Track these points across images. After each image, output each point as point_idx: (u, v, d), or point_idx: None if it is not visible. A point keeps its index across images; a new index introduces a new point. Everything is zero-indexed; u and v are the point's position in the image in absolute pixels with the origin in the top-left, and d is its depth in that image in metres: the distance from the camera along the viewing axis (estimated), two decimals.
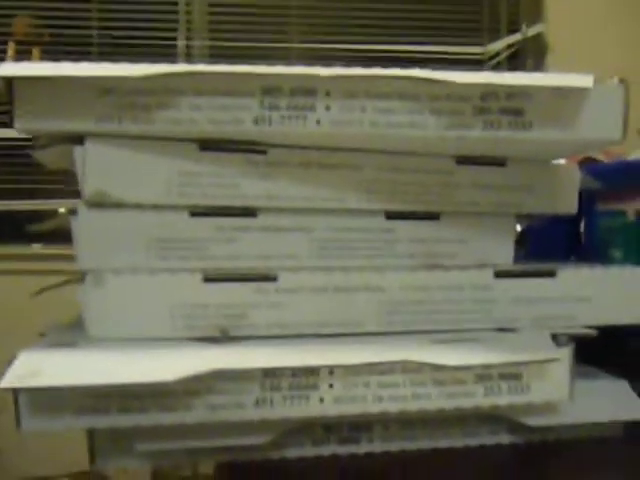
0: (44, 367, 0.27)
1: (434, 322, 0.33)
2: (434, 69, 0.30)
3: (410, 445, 0.33)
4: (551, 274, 0.34)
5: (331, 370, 0.29)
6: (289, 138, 0.31)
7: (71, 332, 0.32)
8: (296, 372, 0.29)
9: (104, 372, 0.27)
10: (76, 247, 0.31)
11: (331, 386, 0.29)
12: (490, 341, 0.32)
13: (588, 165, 0.43)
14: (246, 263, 0.33)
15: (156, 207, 0.31)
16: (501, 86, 0.31)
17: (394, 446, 0.33)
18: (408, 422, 0.33)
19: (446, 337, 0.32)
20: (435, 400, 0.30)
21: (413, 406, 0.30)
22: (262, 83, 0.30)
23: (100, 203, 0.31)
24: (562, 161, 0.38)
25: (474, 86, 0.30)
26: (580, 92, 0.31)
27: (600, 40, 1.67)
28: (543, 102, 0.31)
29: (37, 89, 0.29)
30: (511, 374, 0.31)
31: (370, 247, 0.34)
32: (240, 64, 0.29)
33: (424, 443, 0.33)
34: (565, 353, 0.31)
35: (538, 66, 1.74)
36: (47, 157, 0.33)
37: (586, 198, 0.38)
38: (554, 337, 0.32)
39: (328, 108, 0.30)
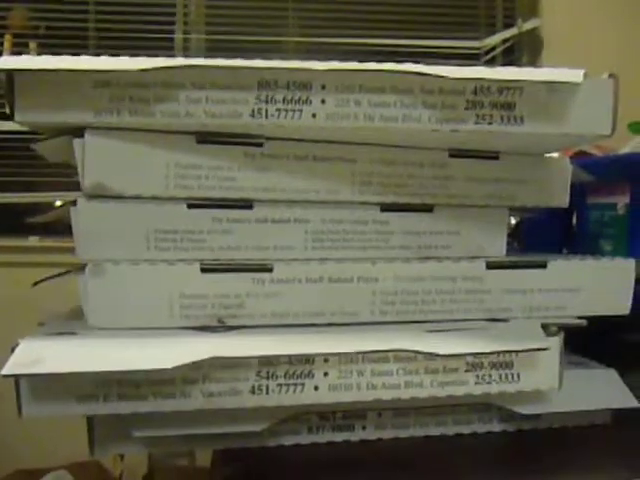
0: (45, 355, 0.27)
1: (427, 312, 0.34)
2: (428, 64, 0.30)
3: (403, 433, 0.34)
4: (542, 265, 0.35)
5: (326, 358, 0.30)
6: (285, 131, 0.32)
7: (70, 322, 0.33)
8: (292, 360, 0.29)
9: (104, 359, 0.28)
10: (75, 238, 0.32)
11: (326, 374, 0.30)
12: (482, 331, 0.33)
13: (579, 159, 0.44)
14: (242, 254, 0.33)
15: (154, 199, 0.32)
16: (493, 80, 0.31)
17: (387, 434, 0.34)
18: (401, 410, 0.34)
19: (439, 327, 0.33)
20: (427, 388, 0.31)
21: (406, 394, 0.31)
22: (259, 77, 0.30)
23: (99, 195, 0.31)
24: (554, 155, 0.38)
25: (466, 80, 0.31)
26: (570, 87, 0.31)
27: (595, 35, 1.68)
28: (534, 96, 0.32)
29: (37, 82, 0.29)
30: (502, 363, 0.31)
31: (364, 239, 0.35)
32: (237, 58, 0.29)
33: (417, 431, 0.34)
34: (555, 342, 0.32)
35: (533, 61, 1.74)
36: (47, 149, 0.34)
37: (577, 191, 0.38)
38: (544, 327, 0.32)
39: (323, 101, 0.30)
